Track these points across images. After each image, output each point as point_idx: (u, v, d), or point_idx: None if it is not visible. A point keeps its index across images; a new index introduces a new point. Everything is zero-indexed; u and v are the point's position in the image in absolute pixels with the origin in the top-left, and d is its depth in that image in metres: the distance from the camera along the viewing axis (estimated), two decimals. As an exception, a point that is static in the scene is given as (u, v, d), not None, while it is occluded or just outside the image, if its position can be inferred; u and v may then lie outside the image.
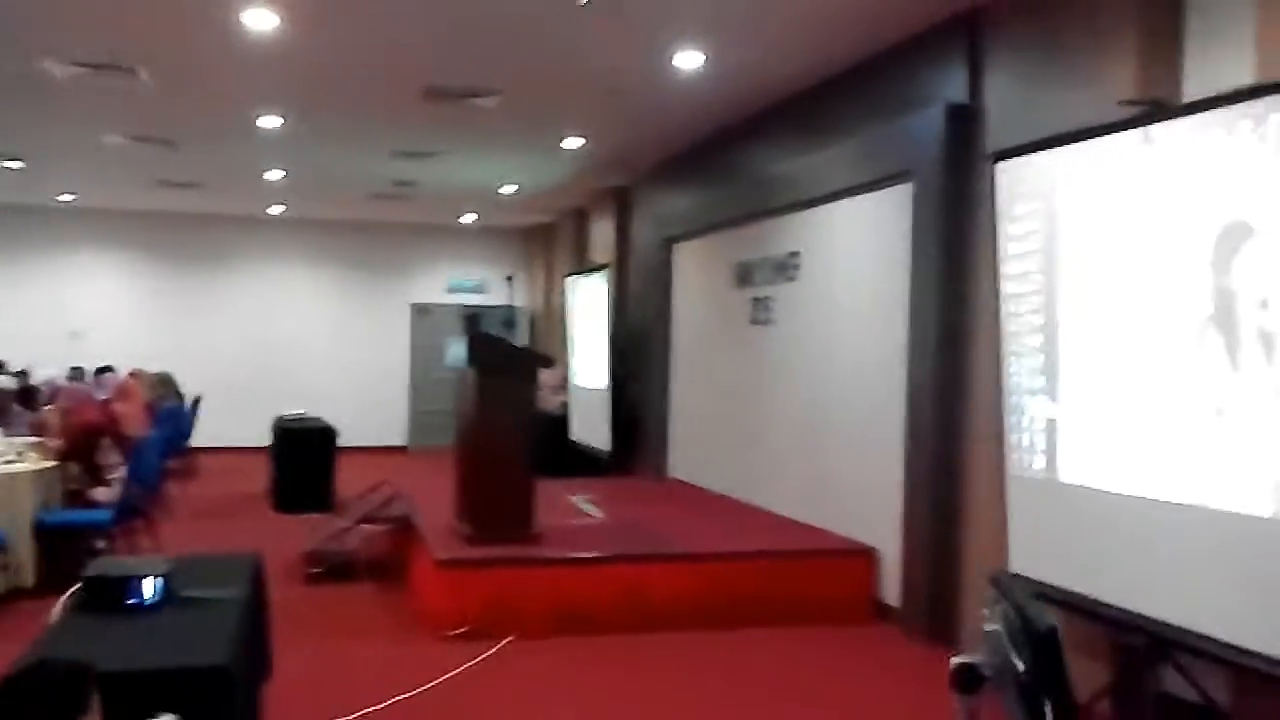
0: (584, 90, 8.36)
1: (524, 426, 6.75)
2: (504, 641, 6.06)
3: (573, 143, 10.32)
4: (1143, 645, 4.67)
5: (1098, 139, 4.68)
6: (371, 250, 16.56)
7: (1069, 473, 4.93)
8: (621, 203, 12.58)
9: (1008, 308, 5.26)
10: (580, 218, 14.42)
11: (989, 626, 2.09)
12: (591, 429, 11.61)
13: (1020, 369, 5.23)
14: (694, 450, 10.20)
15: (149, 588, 3.39)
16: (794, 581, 6.73)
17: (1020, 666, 1.88)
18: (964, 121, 6.20)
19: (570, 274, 13.45)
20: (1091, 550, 4.78)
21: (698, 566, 6.65)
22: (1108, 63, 5.21)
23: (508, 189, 13.20)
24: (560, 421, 12.44)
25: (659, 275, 11.05)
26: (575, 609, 6.35)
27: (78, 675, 2.35)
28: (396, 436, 16.46)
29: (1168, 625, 4.31)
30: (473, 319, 7.73)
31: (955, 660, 2.20)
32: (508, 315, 16.76)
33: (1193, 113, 4.17)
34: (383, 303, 16.66)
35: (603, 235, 13.20)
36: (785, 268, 8.36)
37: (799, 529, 7.53)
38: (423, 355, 16.51)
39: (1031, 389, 5.14)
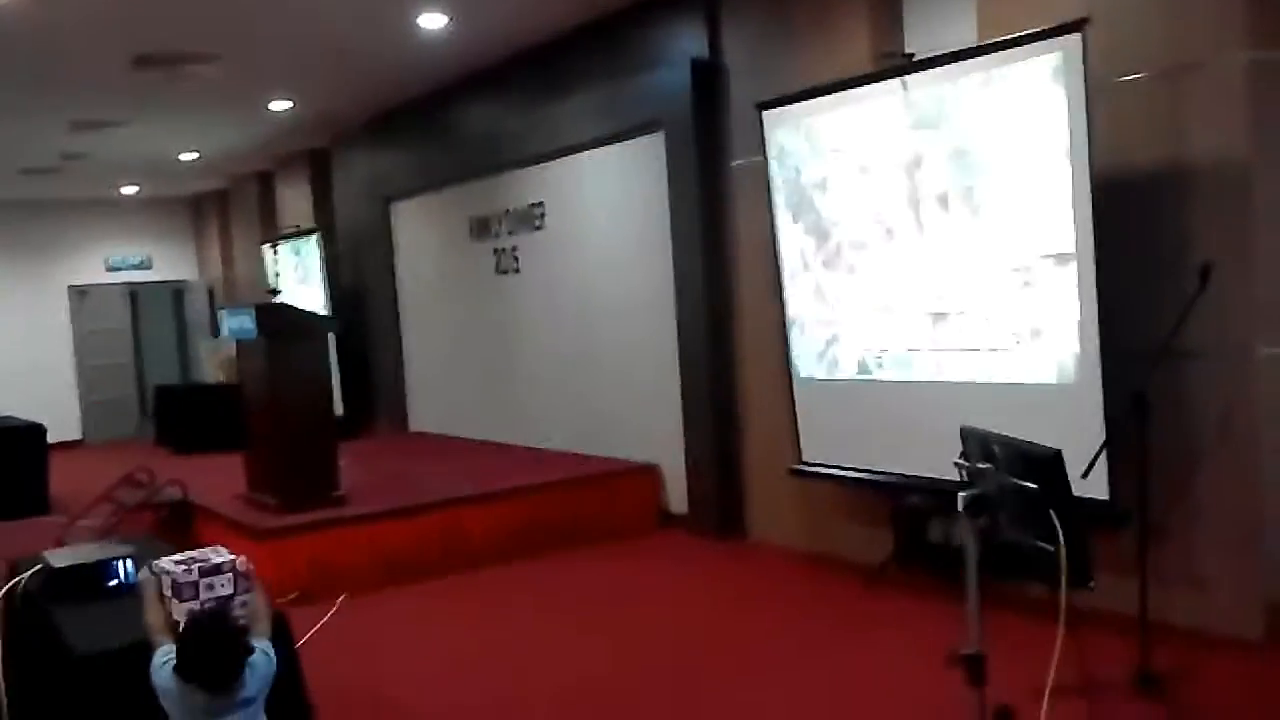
0: (306, 53, 8.30)
1: (320, 391, 6.82)
2: (339, 600, 6.19)
3: (279, 105, 10.11)
4: (921, 502, 5.69)
5: (854, 89, 5.55)
6: (22, 231, 15.09)
7: (846, 372, 5.85)
8: (319, 165, 12.39)
9: (782, 239, 6.06)
10: (263, 182, 13.98)
11: (979, 464, 2.75)
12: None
13: (796, 291, 6.06)
14: (441, 401, 10.47)
15: (124, 569, 3.40)
16: (589, 504, 7.33)
17: (1033, 486, 2.55)
18: (708, 75, 6.92)
19: (265, 241, 13.08)
20: (875, 433, 5.73)
21: (504, 504, 7.06)
22: (839, 22, 6.10)
23: (188, 156, 12.58)
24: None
25: (377, 235, 11.11)
26: (398, 559, 6.58)
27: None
28: (69, 430, 15.24)
29: (944, 480, 5.30)
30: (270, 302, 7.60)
31: (964, 652, 2.73)
32: (178, 288, 15.93)
33: (941, 64, 5.09)
34: (37, 287, 15.27)
35: (296, 199, 12.94)
36: (529, 218, 8.81)
37: (580, 459, 8.09)
38: (87, 341, 15.41)
39: (807, 307, 6.00)
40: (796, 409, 6.14)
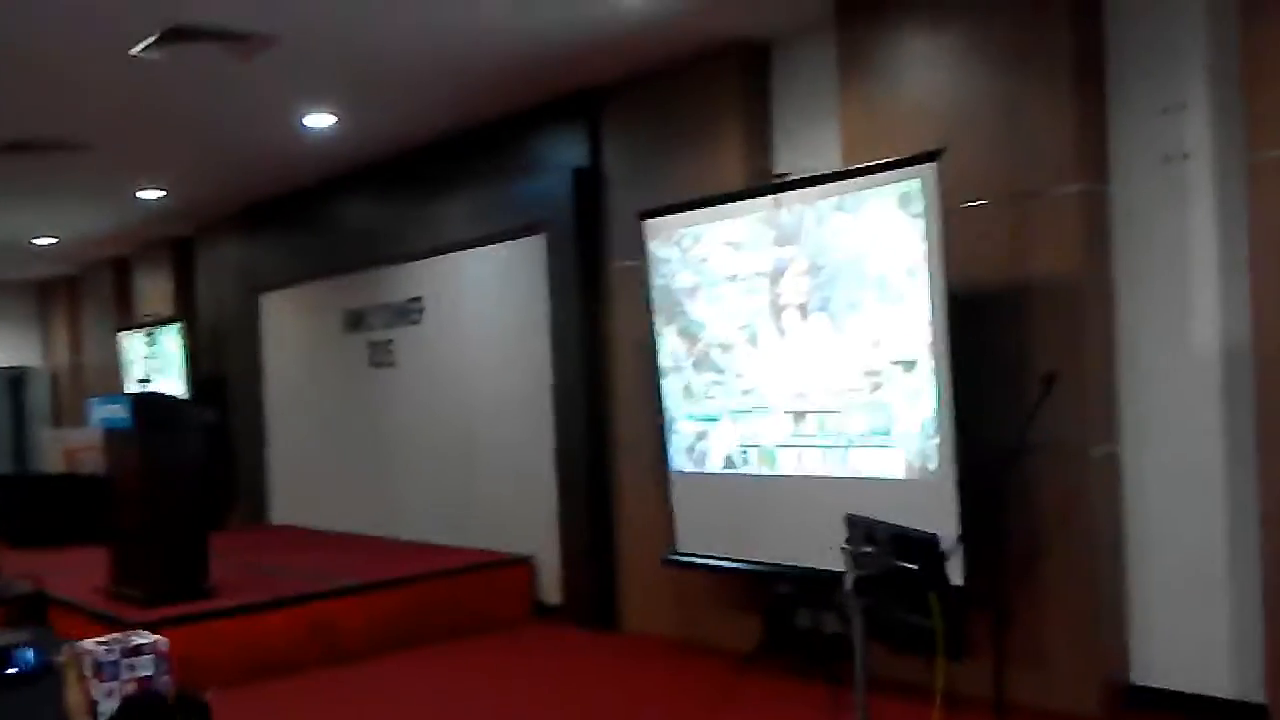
0: (186, 146, 8.36)
1: (194, 482, 6.75)
2: (208, 695, 6.07)
3: (150, 194, 10.06)
4: (790, 590, 6.01)
5: (732, 203, 5.97)
6: None
7: (714, 466, 6.17)
8: (181, 253, 12.25)
9: (668, 338, 6.38)
10: (118, 269, 13.69)
11: (864, 549, 3.05)
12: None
13: (668, 389, 6.38)
14: (306, 493, 10.35)
15: (25, 657, 3.38)
16: (464, 595, 7.40)
17: (913, 568, 2.86)
18: (589, 183, 7.29)
19: (122, 329, 12.78)
20: (743, 524, 6.04)
21: (378, 596, 7.06)
22: (714, 139, 6.56)
23: (44, 241, 12.28)
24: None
25: (243, 325, 11.02)
26: (267, 655, 6.49)
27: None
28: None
29: (810, 569, 5.63)
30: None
31: None
32: (16, 375, 15.32)
33: (814, 184, 5.55)
34: None
35: (155, 287, 12.73)
36: (407, 312, 8.95)
37: (453, 551, 8.13)
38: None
39: (677, 405, 6.33)
40: (671, 501, 6.40)
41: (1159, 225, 5.00)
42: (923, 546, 2.89)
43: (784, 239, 5.71)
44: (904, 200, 5.13)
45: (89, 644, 3.06)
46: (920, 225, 5.06)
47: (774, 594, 6.17)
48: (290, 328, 10.62)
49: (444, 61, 6.59)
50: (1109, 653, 4.99)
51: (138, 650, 3.05)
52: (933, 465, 5.09)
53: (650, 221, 6.39)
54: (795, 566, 5.72)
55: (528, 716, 5.54)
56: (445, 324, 8.63)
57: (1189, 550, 4.88)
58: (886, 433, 5.29)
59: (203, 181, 9.68)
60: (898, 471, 5.24)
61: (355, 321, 9.59)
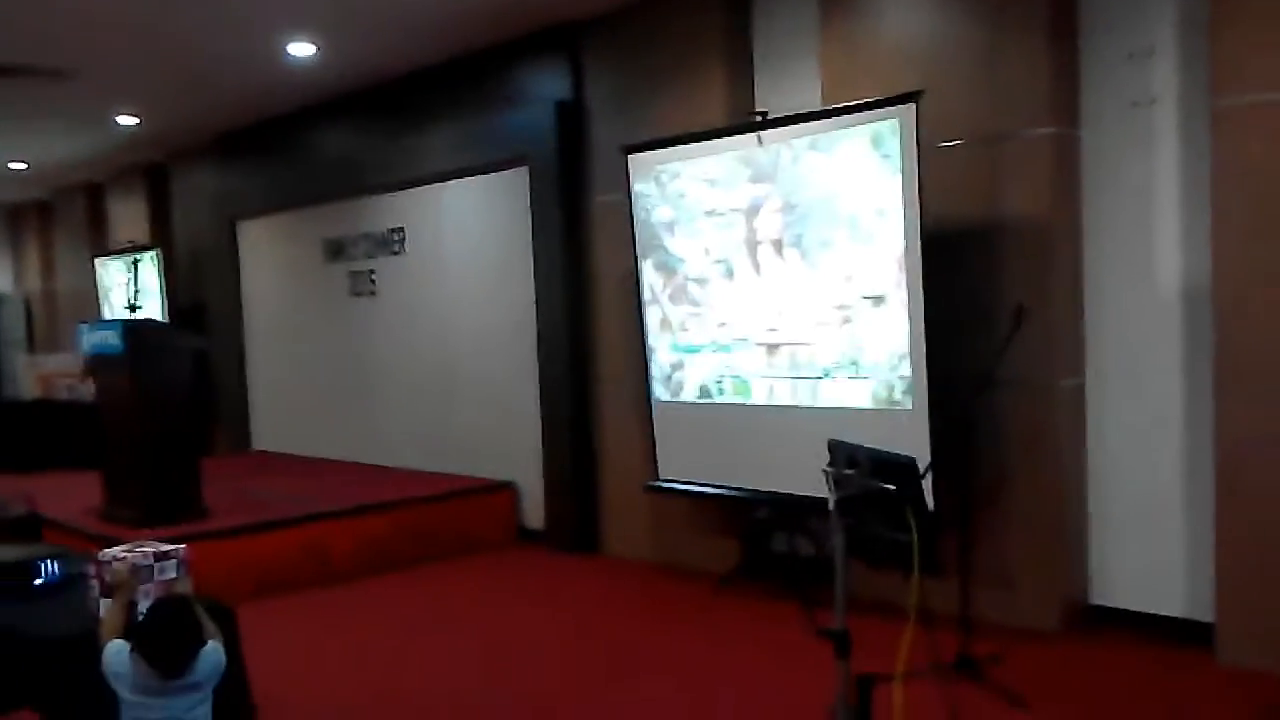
0: (166, 73, 8.35)
1: (185, 407, 6.89)
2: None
3: (127, 120, 10.02)
4: (766, 515, 6.27)
5: (715, 140, 6.11)
6: None
7: (689, 395, 6.39)
8: (156, 180, 12.21)
9: (647, 271, 6.55)
10: (92, 195, 13.62)
11: (845, 471, 3.27)
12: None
13: (651, 321, 6.56)
14: (289, 421, 10.51)
15: (49, 568, 3.56)
16: (449, 520, 7.63)
17: (892, 488, 3.08)
18: (572, 117, 7.38)
19: (97, 255, 12.76)
20: (719, 452, 6.28)
21: (367, 519, 7.27)
22: (696, 76, 6.67)
23: (17, 165, 12.19)
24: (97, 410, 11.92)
25: (222, 253, 11.06)
26: (262, 575, 6.70)
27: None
28: None
29: (785, 495, 5.89)
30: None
31: (829, 629, 3.22)
32: (-11, 301, 15.27)
33: (796, 123, 5.70)
34: None
35: (130, 213, 12.69)
36: (388, 242, 9.05)
37: (438, 477, 8.35)
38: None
39: (654, 336, 6.52)
40: (655, 429, 6.62)
41: (1126, 168, 5.20)
42: (901, 469, 3.11)
43: (759, 176, 5.87)
44: (876, 140, 5.30)
45: (118, 550, 3.25)
46: (891, 166, 5.24)
47: (750, 519, 6.43)
48: (269, 256, 10.68)
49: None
50: (1070, 574, 5.30)
51: (165, 555, 3.25)
52: (899, 396, 5.32)
53: (633, 156, 6.51)
54: (771, 493, 5.98)
55: (512, 633, 5.79)
56: (427, 254, 8.74)
57: (1147, 479, 5.17)
58: (855, 364, 5.52)
59: (179, 108, 9.65)
60: (865, 402, 5.49)
61: (336, 251, 9.67)
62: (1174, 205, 5.06)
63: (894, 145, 5.23)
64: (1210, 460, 4.82)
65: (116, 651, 3.00)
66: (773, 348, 5.97)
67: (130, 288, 11.49)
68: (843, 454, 3.37)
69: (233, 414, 11.03)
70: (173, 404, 6.77)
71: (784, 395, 5.93)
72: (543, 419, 7.61)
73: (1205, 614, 4.90)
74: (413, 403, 8.96)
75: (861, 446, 3.31)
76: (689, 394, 6.41)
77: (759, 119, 5.95)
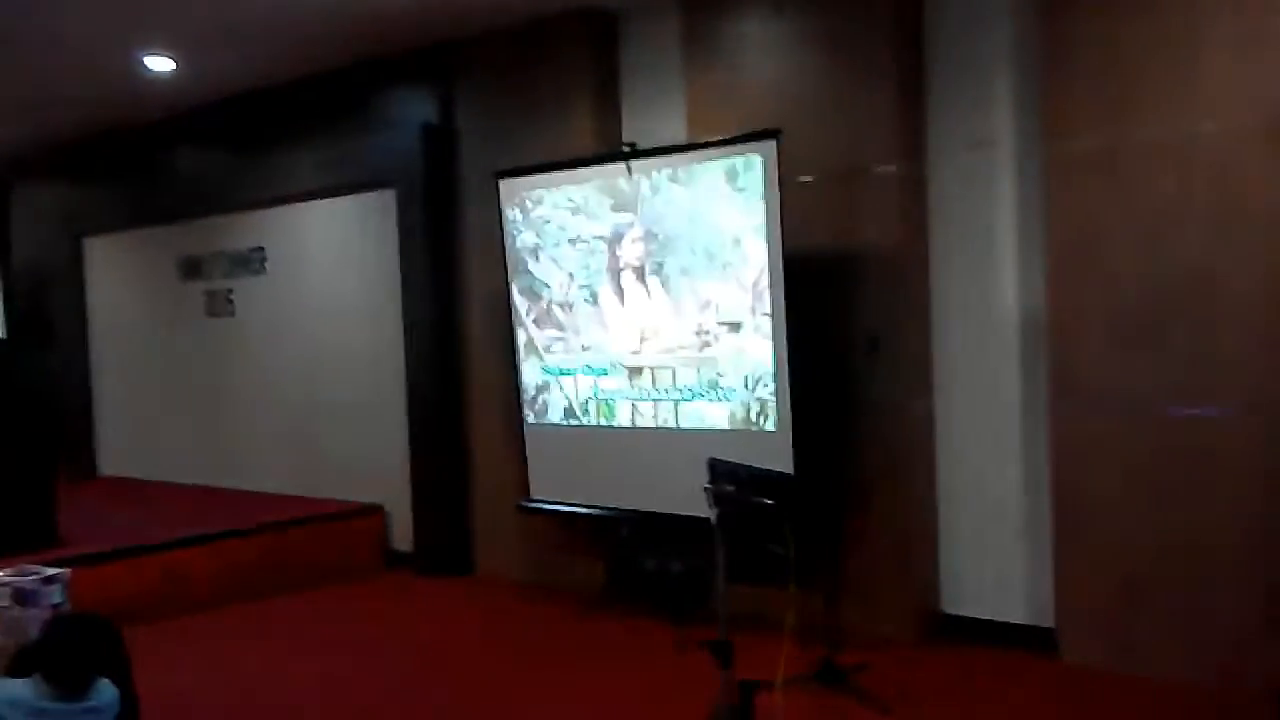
0: (10, 84, 8.03)
1: (35, 428, 6.66)
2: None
3: (-31, 133, 9.58)
4: (628, 532, 6.45)
5: (585, 168, 6.28)
6: None
7: (554, 418, 6.55)
8: (-8, 194, 11.66)
9: (514, 295, 6.67)
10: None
11: (723, 488, 3.47)
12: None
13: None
14: (138, 444, 10.18)
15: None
16: (316, 544, 7.56)
17: (768, 503, 3.29)
18: (440, 140, 7.45)
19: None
20: (585, 472, 6.46)
21: (229, 545, 7.15)
22: (565, 105, 6.84)
23: None
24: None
25: (65, 271, 10.66)
26: (121, 603, 6.48)
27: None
28: None
29: (649, 513, 6.11)
30: None
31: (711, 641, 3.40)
32: None
33: (663, 154, 5.93)
34: None
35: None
36: (248, 261, 8.91)
37: (302, 501, 8.25)
38: None
39: (524, 359, 6.64)
40: (526, 450, 6.73)
41: (968, 205, 5.60)
42: (780, 486, 3.34)
43: (622, 205, 6.09)
44: (731, 174, 5.60)
45: (2, 574, 3.21)
46: (745, 198, 5.53)
47: (615, 538, 6.61)
48: (119, 274, 10.35)
49: (293, 10, 6.59)
50: (923, 585, 5.65)
51: (51, 580, 3.22)
52: (754, 416, 5.60)
53: (503, 181, 6.63)
54: (634, 511, 6.18)
55: (379, 659, 5.80)
56: (290, 274, 8.65)
57: (991, 494, 5.56)
58: (715, 388, 5.78)
59: (23, 121, 9.28)
60: (723, 423, 5.75)
61: (192, 269, 9.46)
62: (1012, 239, 5.47)
63: (749, 179, 5.52)
64: (1046, 475, 5.23)
65: (4, 681, 2.96)
66: (636, 371, 6.18)
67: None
68: (723, 471, 3.59)
69: (77, 437, 10.61)
70: (22, 426, 6.54)
71: (647, 417, 6.14)
72: (411, 440, 7.63)
73: (1047, 620, 5.30)
74: (274, 425, 8.82)
75: (742, 464, 3.53)
76: (554, 415, 6.56)
77: (629, 149, 6.16)
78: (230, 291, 9.12)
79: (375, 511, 7.95)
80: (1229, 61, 4.64)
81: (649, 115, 6.65)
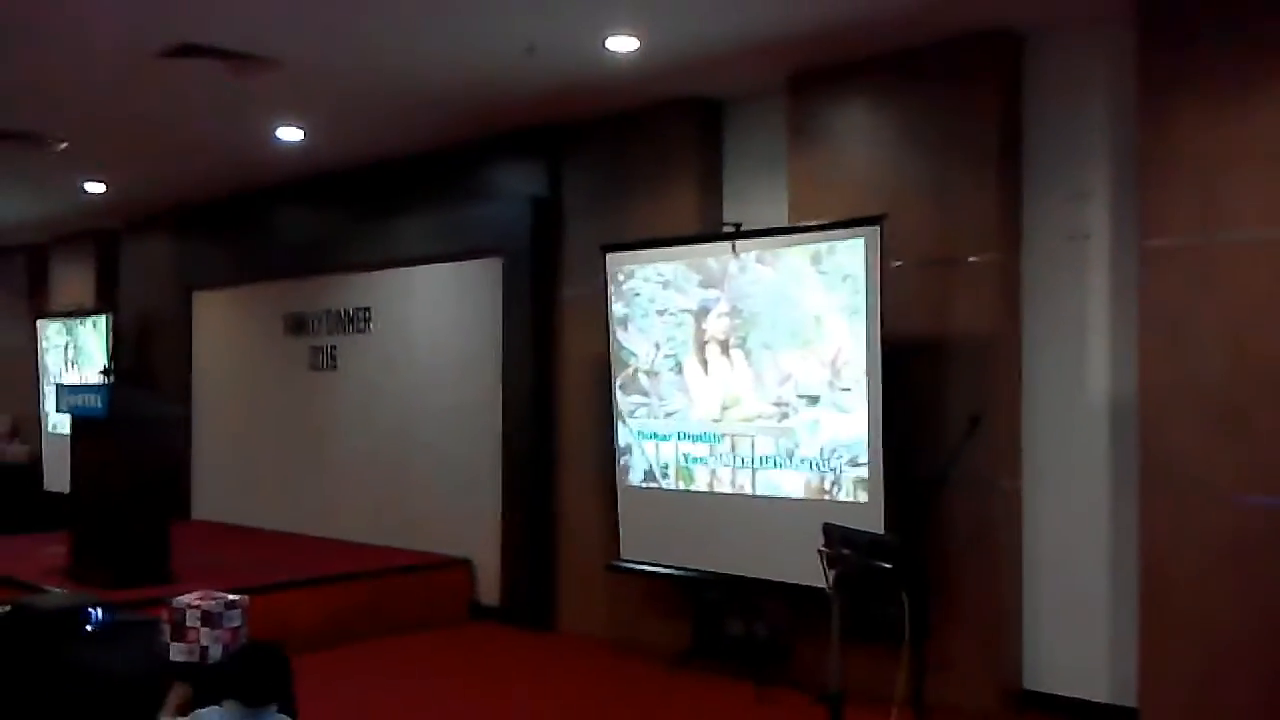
0: (151, 144, 8.59)
1: (160, 471, 7.06)
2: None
3: (94, 187, 10.20)
4: (717, 596, 6.66)
5: (691, 245, 6.63)
6: None
7: (634, 480, 6.85)
8: (105, 245, 12.31)
9: (617, 361, 6.98)
10: (33, 257, 13.62)
11: (839, 551, 3.71)
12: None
13: (625, 407, 6.97)
14: (232, 490, 10.59)
15: (96, 614, 3.79)
16: (404, 594, 7.84)
17: (888, 566, 3.52)
18: (547, 212, 7.86)
19: (39, 317, 12.77)
20: (669, 534, 6.70)
21: (329, 590, 7.46)
22: (669, 184, 7.22)
23: (-32, 223, 12.20)
24: (27, 471, 12.03)
25: (174, 322, 11.20)
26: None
27: None
28: None
29: (739, 578, 6.32)
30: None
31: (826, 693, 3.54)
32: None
33: (769, 235, 6.25)
34: None
35: (75, 277, 12.75)
36: (354, 320, 9.36)
37: (393, 551, 8.56)
38: None
39: (633, 422, 6.94)
40: (618, 510, 6.99)
41: (1062, 293, 5.84)
42: (894, 551, 3.57)
43: (709, 282, 6.45)
44: (815, 258, 5.95)
45: (189, 598, 3.52)
46: (825, 281, 5.88)
47: (701, 600, 6.81)
48: (226, 327, 10.87)
49: (419, 90, 7.07)
50: (1007, 660, 5.80)
51: (233, 605, 3.52)
52: (829, 485, 5.88)
53: (610, 255, 6.98)
54: (720, 573, 6.41)
55: (464, 711, 6.00)
56: (393, 333, 9.07)
57: (1077, 573, 5.72)
58: (791, 457, 6.05)
59: (146, 178, 9.86)
60: (799, 491, 6.03)
61: (298, 325, 9.93)
62: (1104, 328, 5.70)
63: (832, 262, 5.86)
64: (1134, 556, 5.39)
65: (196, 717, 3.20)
66: (717, 437, 6.45)
67: (68, 352, 11.58)
68: (836, 535, 3.83)
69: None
70: (151, 469, 6.94)
71: (725, 482, 6.42)
72: (504, 496, 7.93)
73: (1129, 699, 5.41)
74: (370, 479, 9.18)
75: (856, 529, 3.77)
76: (634, 478, 6.84)
77: (733, 229, 6.50)
78: (334, 347, 9.56)
79: (463, 564, 8.23)
80: (1322, 168, 4.88)
81: (749, 197, 7.00)
